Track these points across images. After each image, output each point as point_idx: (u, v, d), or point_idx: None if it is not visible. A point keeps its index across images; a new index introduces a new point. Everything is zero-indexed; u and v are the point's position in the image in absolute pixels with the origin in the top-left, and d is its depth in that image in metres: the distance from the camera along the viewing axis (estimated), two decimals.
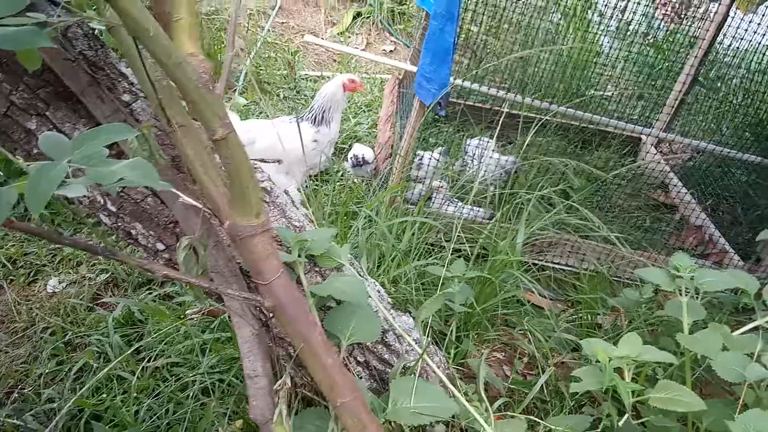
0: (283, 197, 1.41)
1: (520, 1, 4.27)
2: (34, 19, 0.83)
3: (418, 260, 2.08)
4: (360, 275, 1.52)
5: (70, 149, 0.75)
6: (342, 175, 3.15)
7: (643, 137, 3.67)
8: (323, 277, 1.41)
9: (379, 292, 1.57)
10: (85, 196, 1.24)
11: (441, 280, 1.74)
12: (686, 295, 1.49)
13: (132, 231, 1.27)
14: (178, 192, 0.98)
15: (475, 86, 3.22)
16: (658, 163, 3.48)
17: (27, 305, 2.36)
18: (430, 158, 2.80)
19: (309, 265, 1.39)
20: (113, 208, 1.24)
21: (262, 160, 2.62)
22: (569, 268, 2.57)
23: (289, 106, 3.84)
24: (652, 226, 3.07)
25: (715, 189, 3.19)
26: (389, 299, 1.61)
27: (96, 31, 1.21)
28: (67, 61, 1.09)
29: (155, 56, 0.80)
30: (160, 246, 1.28)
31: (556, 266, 2.57)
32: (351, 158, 3.08)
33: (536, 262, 2.49)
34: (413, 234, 2.09)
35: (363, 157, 3.06)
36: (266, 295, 0.96)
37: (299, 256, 1.28)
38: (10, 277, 2.47)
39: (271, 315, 1.06)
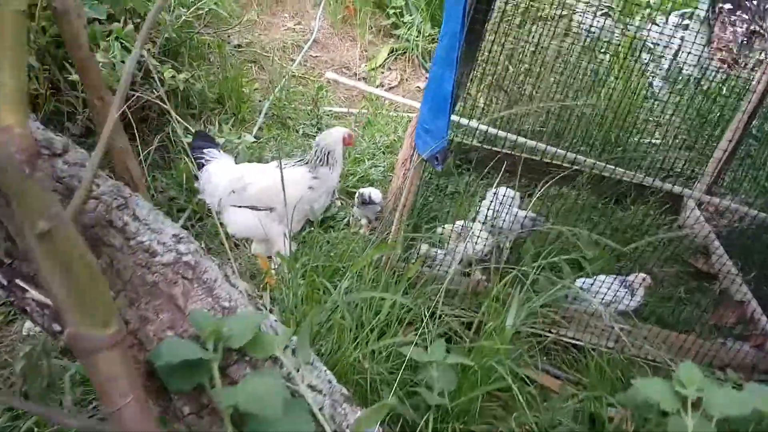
0: (212, 272, 1.22)
1: (563, 39, 4.05)
2: None
3: (399, 332, 1.86)
4: (309, 364, 1.32)
5: None
6: (347, 223, 2.97)
7: (685, 192, 3.34)
8: (255, 368, 1.21)
9: (330, 382, 1.36)
10: None
11: (409, 362, 1.52)
12: (693, 415, 1.22)
13: (27, 308, 1.11)
14: (24, 284, 0.80)
15: (498, 132, 3.02)
16: (697, 228, 3.15)
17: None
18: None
19: (237, 354, 1.19)
20: (5, 281, 1.08)
21: (254, 208, 2.48)
22: (588, 345, 2.30)
23: (307, 144, 3.70)
24: (687, 298, 2.75)
25: (762, 259, 2.84)
26: (344, 391, 1.39)
27: None
28: None
29: None
30: (57, 327, 1.11)
31: (570, 341, 2.31)
32: (357, 196, 2.92)
33: (547, 335, 2.23)
34: (393, 306, 1.87)
35: (370, 196, 2.88)
36: (114, 425, 0.77)
37: (215, 351, 1.08)
38: None
39: None
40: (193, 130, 3.05)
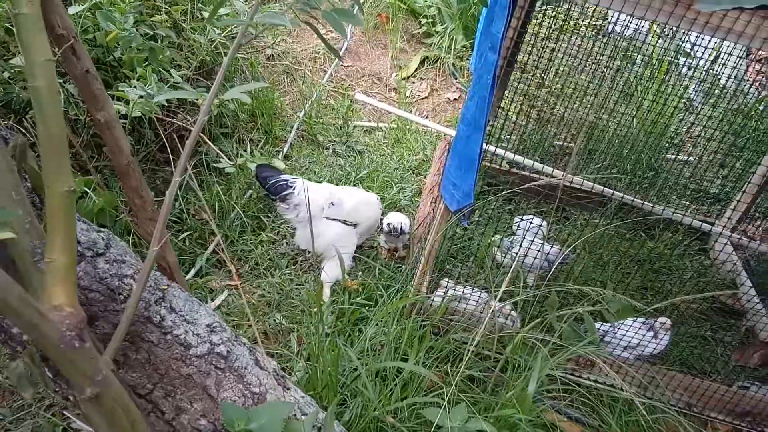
0: (243, 359, 1.28)
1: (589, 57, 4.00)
2: None
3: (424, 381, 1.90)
4: None
5: None
6: (375, 256, 3.02)
7: (714, 228, 3.30)
8: None
9: None
10: None
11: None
12: None
13: (71, 397, 1.18)
14: (71, 415, 0.86)
15: (524, 160, 3.03)
16: (727, 265, 3.11)
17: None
18: None
19: None
20: (50, 374, 1.16)
21: (344, 221, 2.74)
22: (608, 388, 2.32)
23: (336, 163, 3.74)
24: (713, 336, 2.75)
25: None
26: None
27: None
28: None
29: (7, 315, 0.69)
30: None
31: (593, 384, 2.33)
32: (387, 226, 2.92)
33: (569, 379, 2.25)
34: (416, 361, 1.92)
35: (402, 227, 2.90)
36: None
37: None
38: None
39: None
40: (232, 157, 3.18)
